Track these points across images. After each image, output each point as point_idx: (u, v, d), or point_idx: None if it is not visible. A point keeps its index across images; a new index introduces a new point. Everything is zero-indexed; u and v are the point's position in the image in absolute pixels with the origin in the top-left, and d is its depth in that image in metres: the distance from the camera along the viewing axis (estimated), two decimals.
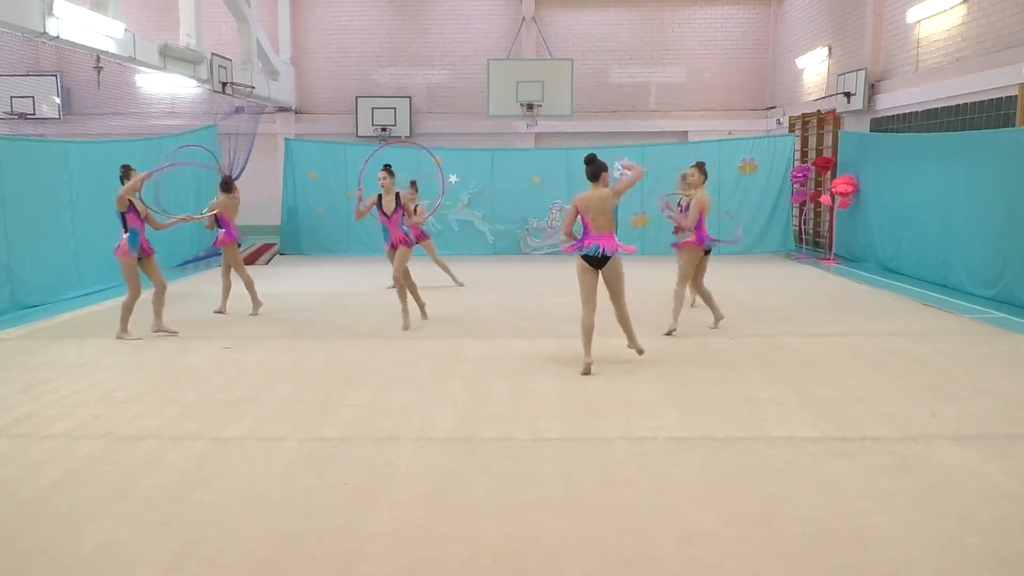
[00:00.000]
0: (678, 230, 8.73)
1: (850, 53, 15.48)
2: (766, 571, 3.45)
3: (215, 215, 9.43)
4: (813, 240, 16.71)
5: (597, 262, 6.66)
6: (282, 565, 3.53)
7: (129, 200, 8.06)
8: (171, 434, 5.25)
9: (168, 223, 8.80)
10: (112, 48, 11.39)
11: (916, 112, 12.98)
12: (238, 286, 9.69)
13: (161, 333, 8.33)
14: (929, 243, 11.77)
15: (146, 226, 8.29)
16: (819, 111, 16.42)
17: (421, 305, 9.17)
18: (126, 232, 8.06)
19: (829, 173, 15.44)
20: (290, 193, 16.61)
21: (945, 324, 8.80)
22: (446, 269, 11.80)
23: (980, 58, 11.25)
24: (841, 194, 14.10)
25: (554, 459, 4.77)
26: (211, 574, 3.46)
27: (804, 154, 17.01)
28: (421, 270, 9.85)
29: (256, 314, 9.52)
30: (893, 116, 13.81)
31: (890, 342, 7.81)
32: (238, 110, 16.49)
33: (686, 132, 19.06)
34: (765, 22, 19.98)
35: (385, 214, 8.62)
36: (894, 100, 13.70)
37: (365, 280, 12.52)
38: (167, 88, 17.78)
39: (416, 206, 10.75)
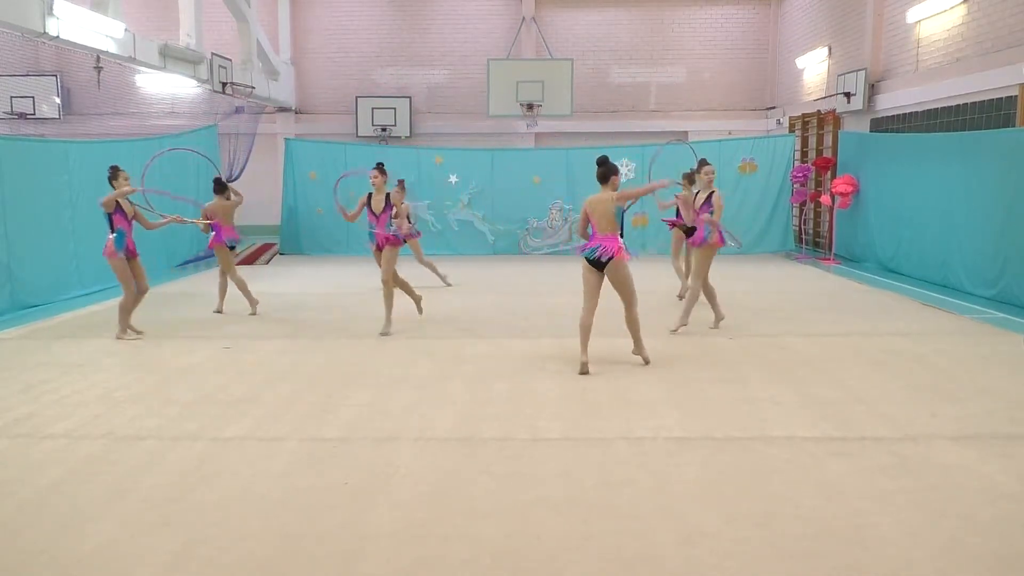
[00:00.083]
0: (687, 230, 8.72)
1: (850, 53, 15.49)
2: (766, 571, 3.45)
3: (208, 217, 9.47)
4: (813, 240, 16.71)
5: (598, 264, 6.68)
6: (282, 565, 3.53)
7: (116, 201, 8.08)
8: (171, 434, 5.25)
9: (159, 224, 8.80)
10: (112, 48, 11.39)
11: (916, 112, 12.98)
12: (234, 285, 9.69)
13: (130, 334, 8.28)
14: (929, 243, 11.78)
15: (134, 227, 8.29)
16: (819, 111, 16.42)
17: (417, 300, 9.11)
18: (113, 233, 8.07)
19: (829, 173, 15.44)
20: (290, 193, 16.61)
21: (945, 324, 8.80)
22: (433, 269, 11.76)
23: (980, 58, 11.25)
24: (841, 194, 14.10)
25: (554, 459, 4.77)
26: (211, 574, 3.46)
27: (804, 154, 17.02)
28: (408, 271, 9.82)
29: (255, 313, 9.52)
30: (893, 116, 13.81)
31: (890, 342, 7.81)
32: (238, 110, 16.49)
33: (686, 132, 19.06)
34: (765, 22, 19.98)
35: (374, 213, 8.46)
36: (894, 100, 13.70)
37: (365, 280, 12.51)
38: (167, 88, 17.79)
39: (403, 207, 10.79)
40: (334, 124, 19.89)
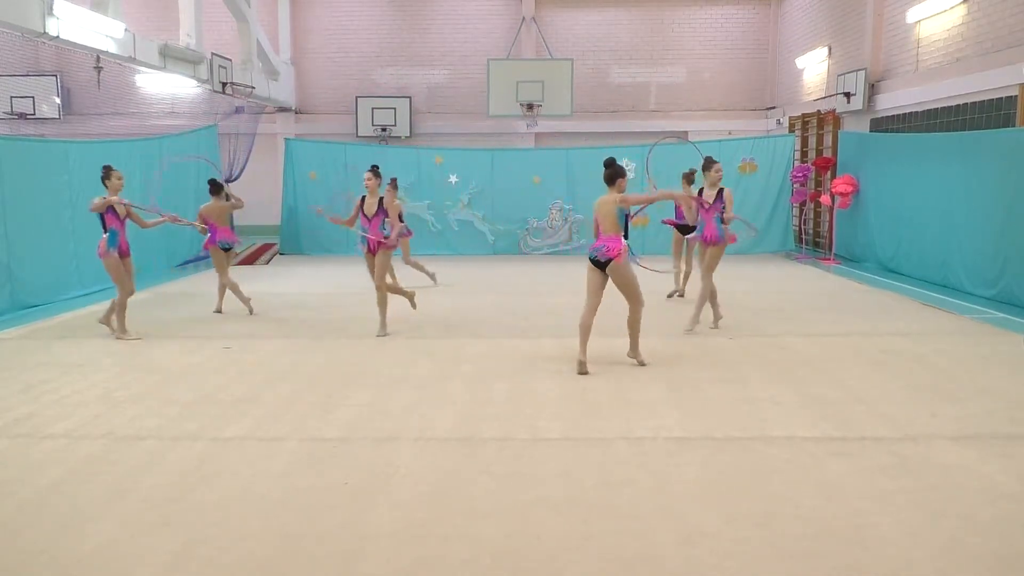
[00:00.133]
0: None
1: (850, 53, 15.49)
2: (766, 571, 3.46)
3: (203, 219, 9.49)
4: (813, 240, 16.71)
5: (599, 263, 6.70)
6: (282, 565, 3.53)
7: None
8: (171, 434, 5.25)
9: (154, 223, 8.81)
10: (112, 48, 11.39)
11: (916, 112, 12.98)
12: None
13: (104, 326, 8.38)
14: (929, 243, 11.78)
15: (132, 228, 8.29)
16: (819, 111, 16.42)
17: (409, 297, 9.05)
18: (105, 232, 8.08)
19: (829, 173, 15.44)
20: (290, 193, 16.61)
21: (945, 324, 8.80)
22: (421, 269, 11.76)
23: (980, 58, 11.25)
24: (841, 194, 14.10)
25: (554, 459, 4.78)
26: (211, 574, 3.46)
27: (804, 154, 17.02)
28: (396, 271, 9.82)
29: (252, 312, 9.52)
30: (893, 116, 13.81)
31: (890, 342, 7.81)
32: (238, 110, 16.49)
33: (686, 132, 19.06)
34: (765, 22, 19.99)
35: (366, 216, 8.37)
36: (894, 100, 13.70)
37: (365, 280, 12.42)
38: (167, 88, 17.79)
39: (395, 205, 10.83)
40: (334, 124, 19.90)
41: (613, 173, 6.71)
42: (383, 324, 8.41)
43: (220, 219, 9.56)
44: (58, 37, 9.99)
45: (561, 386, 6.36)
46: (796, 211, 16.57)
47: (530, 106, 17.89)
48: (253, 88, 16.17)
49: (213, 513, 4.04)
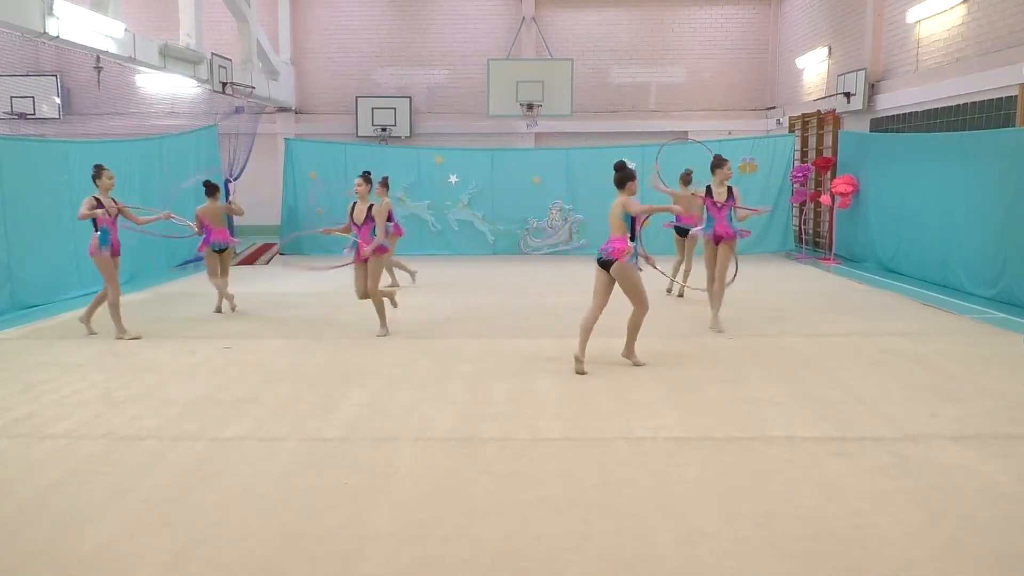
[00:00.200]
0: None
1: (850, 53, 15.49)
2: (766, 571, 3.46)
3: (199, 220, 9.54)
4: (813, 240, 16.71)
5: (603, 264, 6.71)
6: (282, 565, 3.53)
7: (97, 200, 8.08)
8: (171, 434, 5.25)
9: (150, 219, 8.82)
10: (112, 48, 11.39)
11: (916, 112, 12.98)
12: (234, 286, 9.71)
13: (83, 325, 8.39)
14: (929, 243, 11.78)
15: (130, 228, 8.29)
16: (819, 111, 16.42)
17: (391, 295, 8.81)
18: (97, 231, 8.09)
19: (829, 173, 15.44)
20: (290, 193, 16.62)
21: (945, 324, 8.80)
22: (403, 268, 11.76)
23: (980, 58, 11.25)
24: (841, 194, 14.10)
25: (554, 459, 4.77)
26: (211, 574, 3.46)
27: (804, 154, 17.02)
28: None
29: (234, 310, 9.60)
30: (893, 116, 13.81)
31: (890, 342, 7.81)
32: (238, 110, 16.49)
33: (686, 132, 19.06)
34: (765, 22, 19.98)
35: (355, 223, 8.26)
36: (894, 100, 13.70)
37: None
38: (167, 88, 17.79)
39: (385, 202, 10.88)
40: (334, 124, 19.90)
41: (622, 177, 6.71)
42: (383, 324, 8.40)
43: (215, 221, 9.59)
44: (58, 37, 10.00)
45: (561, 386, 6.36)
46: (796, 211, 16.58)
47: (530, 106, 17.89)
48: (253, 88, 16.17)
49: (213, 513, 4.04)
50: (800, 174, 15.54)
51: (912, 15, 13.11)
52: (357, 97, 19.65)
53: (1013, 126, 10.30)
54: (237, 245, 10.08)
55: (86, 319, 8.43)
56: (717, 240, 8.42)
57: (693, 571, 3.46)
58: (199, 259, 14.75)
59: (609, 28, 20.03)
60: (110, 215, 8.16)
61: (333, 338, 8.32)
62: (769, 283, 12.17)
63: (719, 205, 8.38)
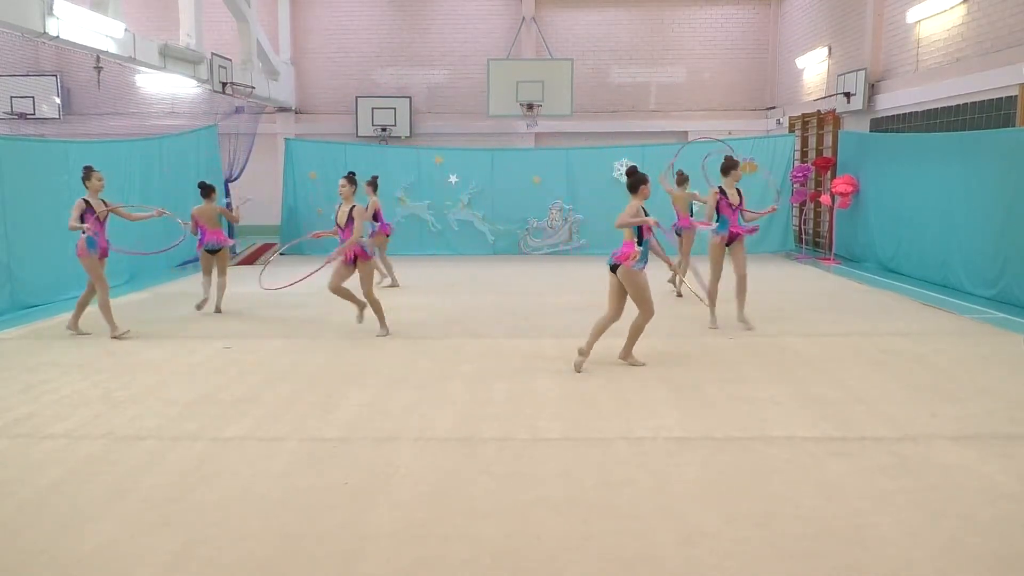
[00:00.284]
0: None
1: (850, 53, 15.49)
2: (766, 571, 3.45)
3: (194, 221, 9.56)
4: (813, 240, 16.71)
5: (612, 268, 6.74)
6: (282, 565, 3.53)
7: (87, 202, 8.08)
8: (171, 434, 5.25)
9: (142, 216, 8.83)
10: (112, 48, 11.39)
11: (916, 112, 12.98)
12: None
13: (72, 332, 8.35)
14: (929, 243, 11.78)
15: (129, 228, 8.28)
16: (819, 111, 16.42)
17: (360, 308, 8.55)
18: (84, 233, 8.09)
19: (829, 173, 15.44)
20: (290, 193, 16.62)
21: (945, 324, 8.80)
22: (388, 269, 11.76)
23: (980, 58, 11.25)
24: (841, 194, 14.10)
25: (554, 459, 4.77)
26: (211, 574, 3.47)
27: (804, 154, 17.02)
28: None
29: (219, 312, 9.61)
30: (893, 116, 13.81)
31: (890, 342, 7.81)
32: (238, 110, 16.49)
33: (686, 132, 19.07)
34: (765, 22, 19.99)
35: (339, 225, 8.23)
36: (894, 100, 13.70)
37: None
38: (167, 88, 17.78)
39: (373, 201, 10.97)
40: (334, 124, 19.90)
41: (635, 181, 6.75)
42: (383, 324, 8.40)
43: (210, 222, 9.61)
44: (58, 37, 10.00)
45: (561, 386, 6.36)
46: (796, 211, 16.57)
47: (530, 106, 17.89)
48: (253, 88, 16.17)
49: (213, 513, 4.04)
50: (800, 174, 15.54)
51: (912, 15, 13.11)
52: (357, 97, 19.65)
53: (1013, 126, 10.30)
54: (236, 246, 10.07)
55: (73, 325, 8.41)
56: (731, 240, 8.46)
57: (693, 571, 3.46)
58: (198, 260, 14.80)
59: (609, 28, 20.03)
60: (100, 217, 8.15)
61: (333, 338, 8.32)
62: (769, 283, 12.16)
63: (734, 207, 8.45)
